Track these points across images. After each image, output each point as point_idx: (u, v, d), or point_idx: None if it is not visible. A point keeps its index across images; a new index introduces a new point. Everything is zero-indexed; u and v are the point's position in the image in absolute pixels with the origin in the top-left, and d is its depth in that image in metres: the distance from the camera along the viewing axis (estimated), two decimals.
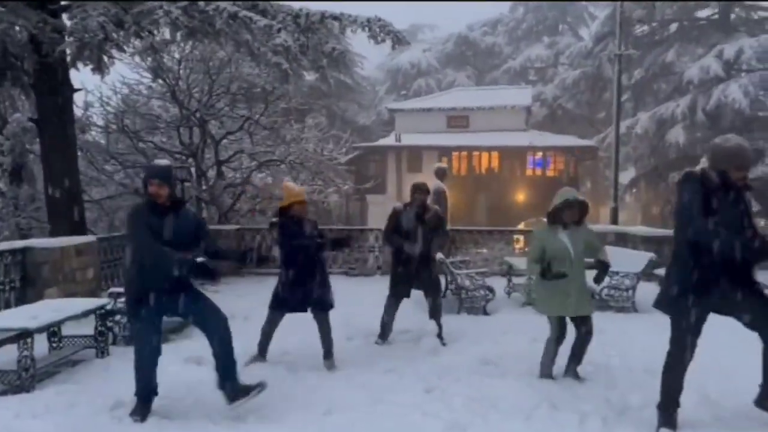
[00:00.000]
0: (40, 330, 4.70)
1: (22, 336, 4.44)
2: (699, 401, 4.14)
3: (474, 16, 49.97)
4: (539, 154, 28.93)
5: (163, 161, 4.37)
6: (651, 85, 29.37)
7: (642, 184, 29.37)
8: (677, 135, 23.44)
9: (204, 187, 14.62)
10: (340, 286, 9.00)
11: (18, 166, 13.47)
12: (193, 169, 14.59)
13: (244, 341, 6.16)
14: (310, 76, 14.62)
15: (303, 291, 5.32)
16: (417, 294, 6.62)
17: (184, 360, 4.97)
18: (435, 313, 6.46)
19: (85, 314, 5.39)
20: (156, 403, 4.19)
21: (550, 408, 4.16)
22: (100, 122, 15.32)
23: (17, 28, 9.03)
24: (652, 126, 24.98)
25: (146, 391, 4.13)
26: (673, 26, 27.30)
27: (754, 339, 3.74)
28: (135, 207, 4.46)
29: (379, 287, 7.41)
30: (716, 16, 25.54)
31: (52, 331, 5.51)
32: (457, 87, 38.27)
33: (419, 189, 6.44)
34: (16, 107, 14.25)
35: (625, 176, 33.85)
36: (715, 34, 24.53)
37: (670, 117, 24.04)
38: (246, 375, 5.07)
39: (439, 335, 6.38)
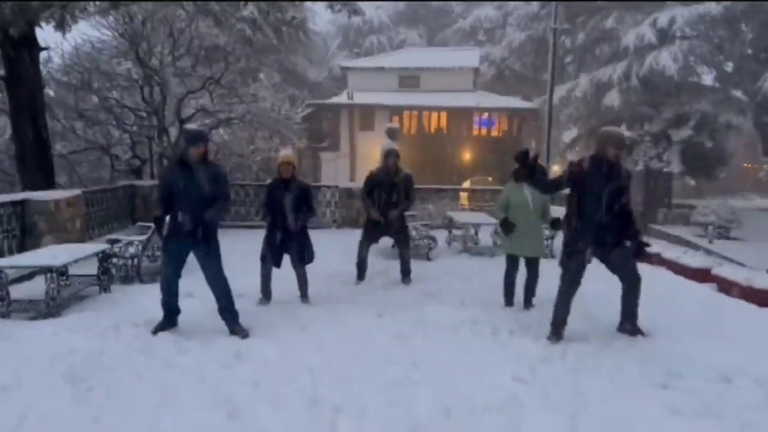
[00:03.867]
0: (63, 266, 5.67)
1: (50, 271, 5.41)
2: (582, 319, 5.52)
3: None
4: (485, 115, 30.05)
5: (196, 126, 5.40)
6: (593, 48, 30.73)
7: (583, 143, 31.03)
8: (613, 99, 24.73)
9: (165, 144, 15.28)
10: None
11: None
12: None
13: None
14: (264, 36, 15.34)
15: (280, 248, 6.27)
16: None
17: (181, 294, 6.00)
18: (403, 262, 7.54)
19: (92, 256, 6.35)
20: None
21: (472, 324, 5.48)
22: (61, 78, 15.71)
23: None
24: (590, 89, 26.41)
25: (167, 309, 5.20)
26: None
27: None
28: (168, 165, 5.47)
29: (336, 239, 8.82)
30: None
31: (61, 271, 6.44)
32: (409, 46, 38.94)
33: (390, 154, 6.99)
34: None
35: (569, 135, 35.58)
36: (653, 2, 25.92)
37: (607, 81, 25.47)
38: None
39: (406, 278, 7.52)
